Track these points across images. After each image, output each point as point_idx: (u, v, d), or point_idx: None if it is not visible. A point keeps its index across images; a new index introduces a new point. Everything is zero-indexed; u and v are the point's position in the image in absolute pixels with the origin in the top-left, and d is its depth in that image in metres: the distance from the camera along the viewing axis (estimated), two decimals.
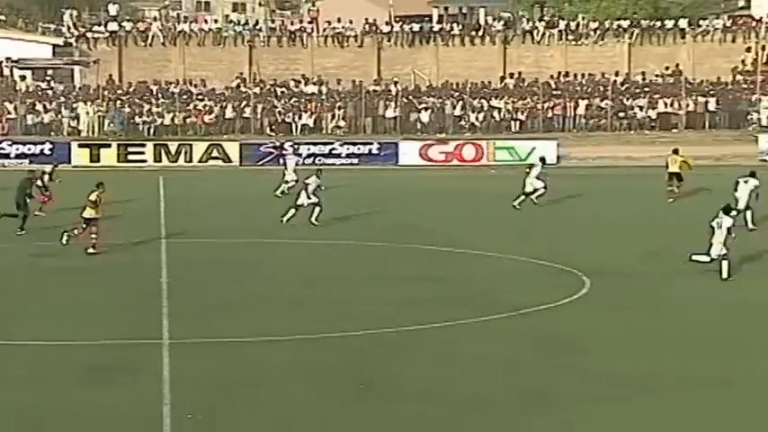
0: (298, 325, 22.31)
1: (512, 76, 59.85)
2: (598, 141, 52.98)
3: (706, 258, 25.88)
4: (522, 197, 36.33)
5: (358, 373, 19.33)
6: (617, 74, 58.95)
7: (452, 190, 41.27)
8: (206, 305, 24.07)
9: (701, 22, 62.32)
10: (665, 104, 56.06)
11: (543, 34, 62.25)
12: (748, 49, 60.20)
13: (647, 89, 57.37)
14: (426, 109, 56.23)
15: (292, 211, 33.07)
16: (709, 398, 17.98)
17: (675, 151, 38.57)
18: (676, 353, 20.46)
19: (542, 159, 37.70)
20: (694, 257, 26.09)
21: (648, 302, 24.18)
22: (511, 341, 21.26)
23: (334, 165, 48.37)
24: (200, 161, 49.39)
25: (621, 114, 56.08)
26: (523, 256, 28.79)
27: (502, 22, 63.54)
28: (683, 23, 61.87)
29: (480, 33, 62.60)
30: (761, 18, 62.35)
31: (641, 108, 56.04)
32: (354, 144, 50.31)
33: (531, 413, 17.34)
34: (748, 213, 32.01)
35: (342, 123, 56.02)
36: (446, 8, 73.43)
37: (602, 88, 57.23)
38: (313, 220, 32.98)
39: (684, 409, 17.53)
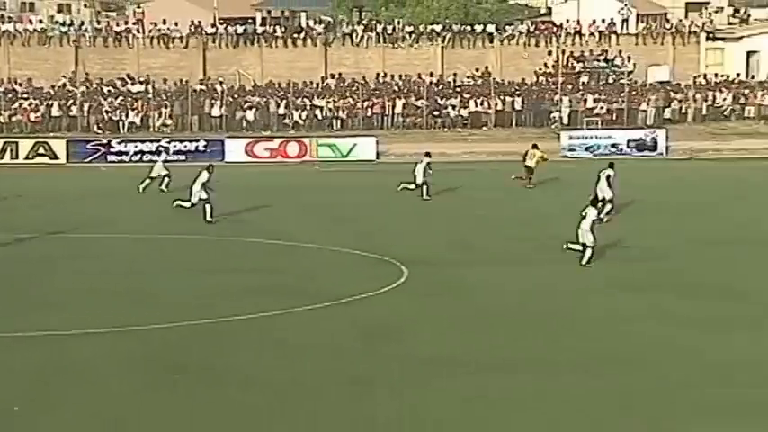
0: (120, 317, 21.77)
1: (333, 76, 59.88)
2: (415, 138, 53.41)
3: (579, 246, 26.24)
4: (413, 187, 36.51)
5: (182, 362, 18.92)
6: (431, 75, 59.62)
7: (277, 185, 40.88)
8: (29, 299, 23.22)
9: (507, 28, 63.60)
10: (476, 104, 56.95)
11: (362, 37, 62.46)
12: (550, 53, 61.74)
13: (458, 89, 58.20)
14: (251, 108, 55.68)
15: (208, 207, 32.16)
16: (521, 377, 18.22)
17: (535, 146, 39.14)
18: (490, 336, 20.71)
19: (427, 154, 37.81)
20: (571, 246, 26.33)
21: (462, 289, 24.43)
22: (334, 329, 21.14)
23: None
24: (26, 158, 47.49)
25: (436, 113, 56.71)
26: (345, 248, 28.70)
27: (322, 26, 63.47)
28: (491, 28, 63.01)
29: (302, 36, 62.42)
30: (561, 24, 64.07)
31: (454, 107, 56.79)
32: (181, 141, 49.31)
33: (358, 398, 17.23)
34: (608, 205, 32.65)
35: (168, 121, 54.92)
36: (269, 11, 72.87)
37: (417, 88, 57.75)
38: (208, 217, 32.15)
39: (500, 389, 17.71)
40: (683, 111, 57.19)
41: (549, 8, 74.65)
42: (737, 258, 27.37)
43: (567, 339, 20.40)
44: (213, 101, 55.84)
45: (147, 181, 37.84)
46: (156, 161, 39.81)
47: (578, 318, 22.00)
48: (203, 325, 21.30)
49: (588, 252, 26.13)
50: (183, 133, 53.39)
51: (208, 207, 32.15)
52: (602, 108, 55.98)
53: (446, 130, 55.97)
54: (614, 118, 55.70)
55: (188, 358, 19.16)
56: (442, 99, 57.20)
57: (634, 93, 57.27)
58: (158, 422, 16.22)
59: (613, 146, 49.29)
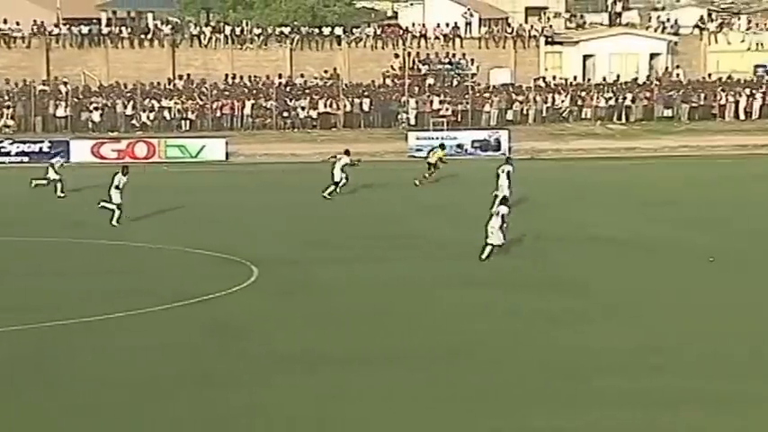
0: None
1: (181, 77, 59.06)
2: (264, 139, 53.23)
3: (493, 244, 26.46)
4: (333, 187, 36.42)
5: (29, 365, 18.27)
6: (280, 76, 59.42)
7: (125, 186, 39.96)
8: None
9: (354, 31, 63.87)
10: (325, 105, 57.02)
11: (210, 38, 61.80)
12: (396, 56, 62.26)
13: (308, 91, 58.16)
14: (97, 108, 54.46)
15: (110, 207, 31.48)
16: (373, 373, 18.28)
17: (442, 146, 41.37)
18: (342, 333, 20.73)
19: (347, 152, 38.03)
20: (483, 257, 26.45)
21: (314, 287, 24.40)
22: (184, 329, 20.86)
23: (3, 163, 46.00)
24: None
25: (285, 114, 56.54)
26: (195, 248, 28.32)
27: (170, 27, 62.50)
28: (338, 31, 63.17)
29: (149, 37, 61.36)
30: (407, 28, 64.71)
31: (303, 108, 56.72)
32: (24, 142, 47.84)
33: (209, 397, 17.00)
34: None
35: (10, 122, 53.25)
36: (114, 12, 71.21)
37: (266, 89, 57.49)
38: (114, 222, 31.31)
39: (353, 385, 17.73)
40: (525, 112, 58.50)
41: (396, 12, 75.28)
42: (577, 255, 28.08)
43: (419, 335, 20.57)
44: (58, 101, 54.46)
45: (44, 181, 36.88)
46: (50, 163, 38.60)
47: (430, 313, 22.22)
48: (51, 327, 20.69)
49: (488, 248, 26.50)
50: (27, 134, 51.91)
51: (117, 212, 31.46)
52: (447, 109, 56.77)
53: (296, 130, 55.87)
54: (459, 119, 56.56)
55: (34, 361, 18.57)
56: (291, 100, 57.06)
57: (478, 94, 58.26)
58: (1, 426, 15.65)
59: (459, 146, 50.02)
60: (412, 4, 70.70)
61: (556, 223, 32.56)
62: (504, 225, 26.76)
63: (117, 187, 31.77)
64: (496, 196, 29.07)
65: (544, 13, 69.37)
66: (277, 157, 49.33)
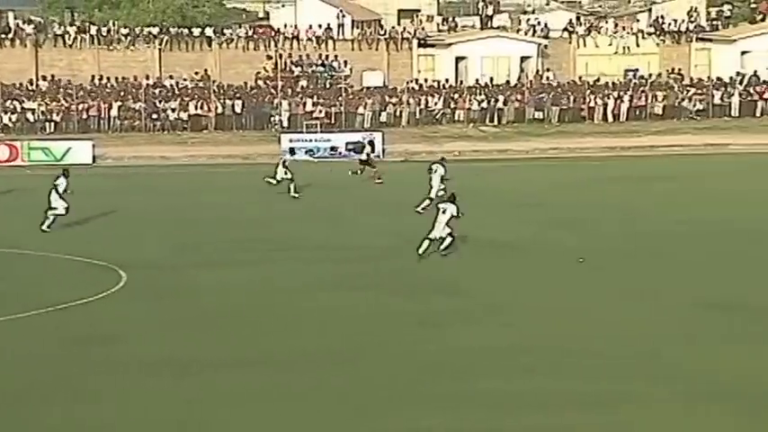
0: None
1: (45, 78, 57.62)
2: (133, 141, 52.35)
3: (427, 243, 26.91)
4: (275, 182, 37.17)
5: None
6: (148, 77, 58.53)
7: None
8: None
9: (225, 31, 63.33)
10: (196, 107, 56.40)
11: (75, 38, 60.49)
12: (269, 57, 61.99)
13: (178, 92, 57.43)
14: None
15: (51, 217, 30.66)
16: (245, 376, 18.16)
17: (370, 142, 44.28)
18: (213, 336, 20.54)
19: (291, 150, 39.32)
20: (421, 251, 26.87)
21: (185, 292, 24.14)
22: (48, 337, 20.39)
23: None
24: None
25: (155, 116, 55.70)
26: (60, 254, 27.67)
27: (32, 26, 60.96)
28: (209, 32, 62.55)
29: (10, 36, 59.75)
30: (279, 29, 64.47)
31: (173, 110, 55.98)
32: None
33: (73, 406, 16.61)
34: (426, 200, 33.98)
35: None
36: None
37: (134, 91, 56.55)
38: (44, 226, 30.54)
39: (224, 388, 17.58)
40: (398, 114, 58.89)
41: (267, 13, 74.94)
42: (451, 257, 28.31)
43: (294, 338, 20.51)
44: None
45: None
46: None
47: (305, 316, 22.17)
48: None
49: (448, 239, 27.01)
50: None
51: (51, 216, 30.61)
52: (320, 111, 56.76)
53: (165, 132, 55.09)
54: (332, 121, 56.60)
55: None
56: (160, 102, 56.26)
57: (351, 96, 58.41)
58: None
59: (332, 149, 50.07)
60: (284, 6, 70.47)
61: (431, 225, 32.85)
62: (450, 221, 27.07)
63: (58, 190, 30.91)
64: (454, 196, 28.93)
65: (417, 16, 69.98)
66: (146, 159, 48.59)
